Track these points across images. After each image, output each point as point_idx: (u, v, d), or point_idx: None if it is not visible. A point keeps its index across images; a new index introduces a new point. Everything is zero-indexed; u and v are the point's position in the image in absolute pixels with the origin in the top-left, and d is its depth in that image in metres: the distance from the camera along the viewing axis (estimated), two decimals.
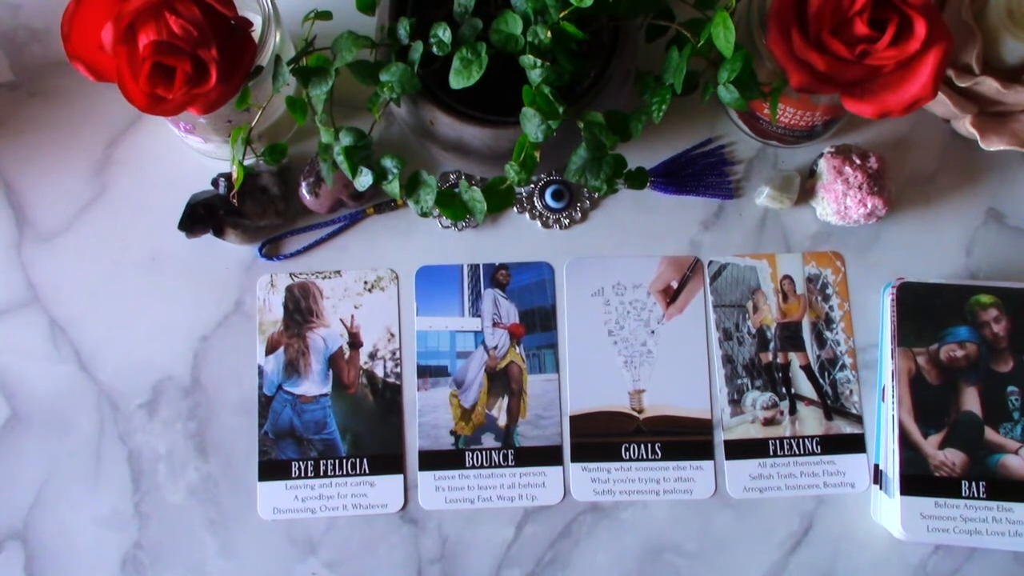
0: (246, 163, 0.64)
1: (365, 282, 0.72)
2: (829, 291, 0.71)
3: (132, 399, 0.69)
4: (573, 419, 0.69)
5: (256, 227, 0.70)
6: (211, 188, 0.70)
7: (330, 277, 0.72)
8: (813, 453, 0.69)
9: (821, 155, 0.71)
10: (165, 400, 0.69)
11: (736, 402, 0.70)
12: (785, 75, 0.60)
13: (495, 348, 0.71)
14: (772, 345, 0.71)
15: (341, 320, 0.71)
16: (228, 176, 0.69)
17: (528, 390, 0.70)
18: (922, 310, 0.68)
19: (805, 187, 0.72)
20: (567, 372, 0.70)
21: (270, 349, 0.70)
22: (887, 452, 0.67)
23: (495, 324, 0.71)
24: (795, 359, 0.70)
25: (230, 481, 0.68)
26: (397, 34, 0.61)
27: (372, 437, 0.69)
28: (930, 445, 0.66)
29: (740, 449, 0.69)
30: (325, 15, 0.61)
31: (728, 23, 0.55)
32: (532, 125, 0.57)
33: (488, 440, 0.69)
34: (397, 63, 0.59)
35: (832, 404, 0.70)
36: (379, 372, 0.70)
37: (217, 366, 0.70)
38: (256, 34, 0.63)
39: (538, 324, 0.71)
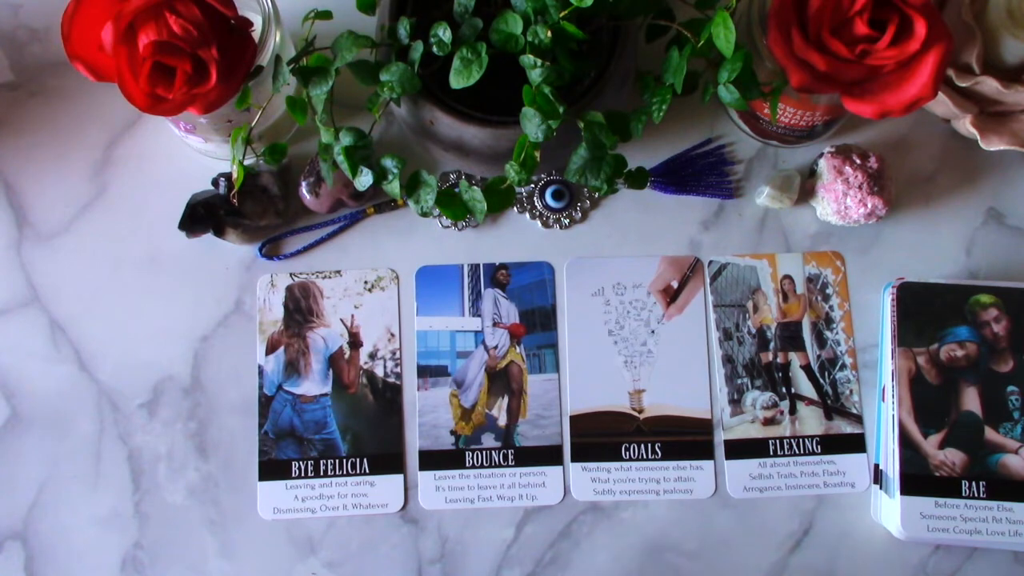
0: (246, 163, 0.64)
1: (365, 282, 0.71)
2: (829, 291, 0.71)
3: (132, 399, 0.69)
4: (573, 419, 0.69)
5: (256, 227, 0.70)
6: (211, 188, 0.70)
7: (330, 277, 0.72)
8: (813, 453, 0.69)
9: (821, 155, 0.71)
10: (165, 400, 0.69)
11: (736, 402, 0.70)
12: (785, 75, 0.60)
13: (495, 348, 0.71)
14: (772, 345, 0.71)
15: (341, 320, 0.71)
16: (228, 176, 0.69)
17: (528, 390, 0.70)
18: (922, 310, 0.68)
19: (805, 187, 0.72)
20: (567, 372, 0.70)
21: (270, 349, 0.70)
22: (887, 452, 0.67)
23: (495, 324, 0.71)
24: (795, 359, 0.70)
25: (230, 481, 0.68)
26: (397, 34, 0.61)
27: (372, 437, 0.69)
28: (930, 445, 0.66)
29: (740, 449, 0.69)
30: (325, 15, 0.61)
31: (728, 23, 0.55)
32: (532, 125, 0.57)
33: (488, 440, 0.69)
34: (397, 63, 0.59)
35: (832, 404, 0.70)
36: (379, 372, 0.70)
37: (217, 366, 0.70)
38: (256, 34, 0.63)
39: (538, 324, 0.71)
